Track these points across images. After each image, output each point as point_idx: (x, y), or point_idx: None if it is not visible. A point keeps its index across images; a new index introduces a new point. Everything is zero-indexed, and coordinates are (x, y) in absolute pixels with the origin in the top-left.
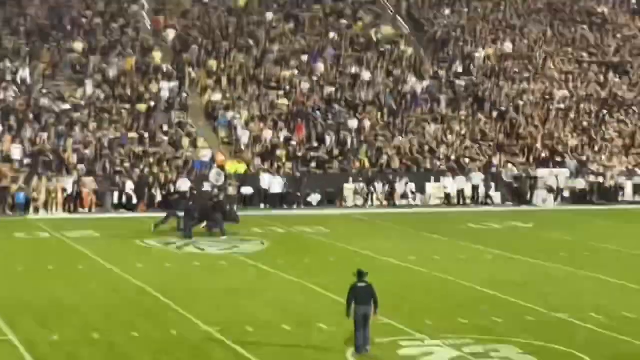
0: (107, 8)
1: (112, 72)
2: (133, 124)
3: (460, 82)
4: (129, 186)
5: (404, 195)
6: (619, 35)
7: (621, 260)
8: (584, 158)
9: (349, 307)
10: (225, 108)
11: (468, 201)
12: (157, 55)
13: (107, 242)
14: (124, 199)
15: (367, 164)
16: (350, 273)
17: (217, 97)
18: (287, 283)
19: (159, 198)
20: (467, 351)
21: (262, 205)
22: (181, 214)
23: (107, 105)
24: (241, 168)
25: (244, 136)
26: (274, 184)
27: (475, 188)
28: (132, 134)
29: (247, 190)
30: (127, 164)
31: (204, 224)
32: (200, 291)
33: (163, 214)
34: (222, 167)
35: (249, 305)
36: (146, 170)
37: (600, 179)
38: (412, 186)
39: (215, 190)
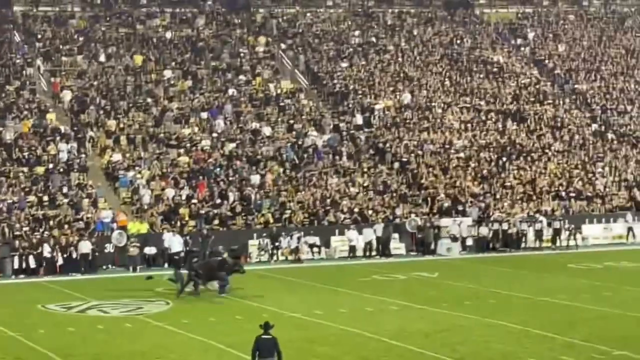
0: (2, 70)
1: (8, 135)
2: (32, 187)
3: (361, 134)
4: (28, 251)
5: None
6: (514, 83)
7: (525, 307)
8: (486, 206)
9: (253, 358)
10: (125, 168)
11: (374, 253)
12: (54, 117)
13: (8, 309)
14: (24, 264)
15: (270, 220)
16: (256, 330)
17: (117, 157)
18: (193, 343)
19: (60, 262)
20: None
21: (165, 265)
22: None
23: (4, 169)
24: (143, 228)
25: (146, 195)
26: (174, 242)
27: (379, 240)
28: (31, 197)
29: (150, 250)
30: (26, 228)
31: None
32: (105, 355)
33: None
34: (123, 228)
35: None
36: (46, 233)
37: (503, 226)
38: (306, 240)
39: (220, 248)
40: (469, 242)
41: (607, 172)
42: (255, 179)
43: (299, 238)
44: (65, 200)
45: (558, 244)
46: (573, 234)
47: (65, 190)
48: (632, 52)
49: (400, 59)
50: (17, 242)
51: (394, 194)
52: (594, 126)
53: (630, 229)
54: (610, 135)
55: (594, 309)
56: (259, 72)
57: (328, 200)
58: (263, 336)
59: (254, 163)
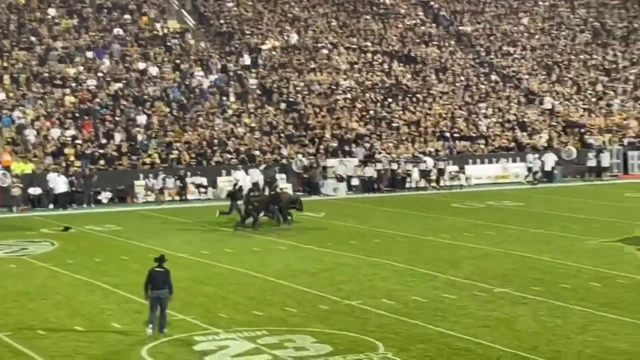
0: None
1: None
2: None
3: (248, 75)
4: None
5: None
6: (401, 25)
7: (410, 246)
8: (372, 146)
9: (145, 291)
10: (10, 108)
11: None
12: None
13: None
14: None
15: (157, 160)
16: (142, 270)
17: (0, 96)
18: (79, 283)
19: None
20: (262, 343)
21: (51, 206)
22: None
23: None
24: (28, 168)
25: (31, 135)
26: (59, 183)
27: (266, 180)
28: None
29: (34, 190)
30: None
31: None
32: None
33: None
34: (7, 168)
35: (40, 308)
36: None
37: (389, 167)
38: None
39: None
40: (355, 182)
41: (490, 113)
42: (142, 119)
43: (164, 179)
44: None
45: (442, 183)
46: (457, 173)
47: None
48: None
49: None
50: None
51: (281, 135)
52: (478, 67)
53: (529, 169)
54: (493, 77)
55: (476, 248)
56: (145, 12)
57: (215, 141)
58: (156, 269)
59: (140, 103)
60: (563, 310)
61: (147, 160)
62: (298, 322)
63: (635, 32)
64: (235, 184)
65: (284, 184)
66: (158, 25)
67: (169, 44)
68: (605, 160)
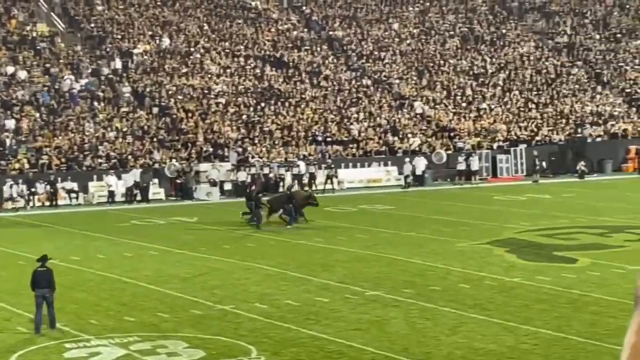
0: None
1: None
2: None
3: (120, 79)
4: None
5: None
6: (273, 29)
7: (283, 250)
8: (245, 150)
9: (32, 289)
10: None
11: (136, 198)
12: None
13: None
14: None
15: (26, 165)
16: (14, 276)
17: None
18: None
19: None
20: (134, 349)
21: None
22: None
23: None
24: None
25: None
26: None
27: (137, 185)
28: None
29: None
30: None
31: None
32: None
33: None
34: None
35: None
36: None
37: (262, 171)
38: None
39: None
40: (228, 186)
41: (362, 117)
42: (10, 123)
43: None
44: None
45: (315, 187)
46: (330, 177)
47: None
48: (386, 0)
49: (159, 3)
50: None
51: (153, 139)
52: (350, 72)
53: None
54: (365, 81)
55: (349, 251)
56: (14, 14)
57: (86, 146)
58: (39, 269)
59: (8, 107)
60: (433, 312)
61: (17, 166)
62: (170, 328)
63: (503, 37)
64: (248, 185)
65: (156, 189)
66: (27, 29)
67: (38, 47)
68: (475, 163)
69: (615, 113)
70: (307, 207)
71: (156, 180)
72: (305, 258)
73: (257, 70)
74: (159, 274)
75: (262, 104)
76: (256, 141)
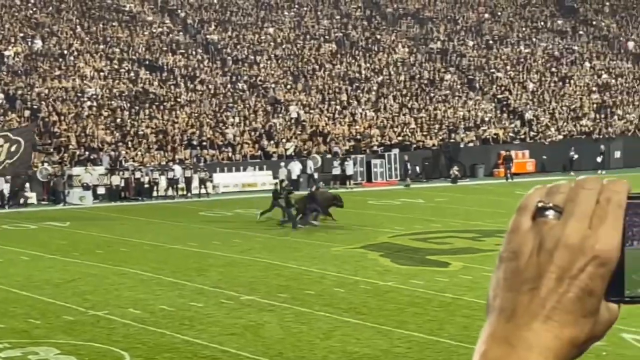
0: None
1: None
2: None
3: None
4: None
5: None
6: (148, 32)
7: (158, 255)
8: (118, 154)
9: None
10: None
11: (5, 202)
12: None
13: None
14: None
15: None
16: None
17: None
18: None
19: None
20: (4, 356)
21: None
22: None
23: None
24: None
25: None
26: None
27: (10, 188)
28: None
29: None
30: None
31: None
32: None
33: None
34: None
35: None
36: None
37: (135, 175)
38: None
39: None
40: (101, 190)
41: (237, 121)
42: None
43: None
44: None
45: (190, 192)
46: (205, 182)
47: None
48: (262, 4)
49: (30, 4)
50: None
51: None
52: (225, 76)
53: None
54: (240, 85)
55: (223, 256)
56: None
57: None
58: None
59: None
60: (308, 316)
61: None
62: (42, 334)
63: (378, 43)
64: (277, 183)
65: (28, 193)
66: None
67: None
68: (350, 168)
69: (487, 119)
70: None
71: (28, 185)
72: (179, 263)
73: (132, 74)
74: (30, 280)
75: (137, 108)
76: (130, 145)
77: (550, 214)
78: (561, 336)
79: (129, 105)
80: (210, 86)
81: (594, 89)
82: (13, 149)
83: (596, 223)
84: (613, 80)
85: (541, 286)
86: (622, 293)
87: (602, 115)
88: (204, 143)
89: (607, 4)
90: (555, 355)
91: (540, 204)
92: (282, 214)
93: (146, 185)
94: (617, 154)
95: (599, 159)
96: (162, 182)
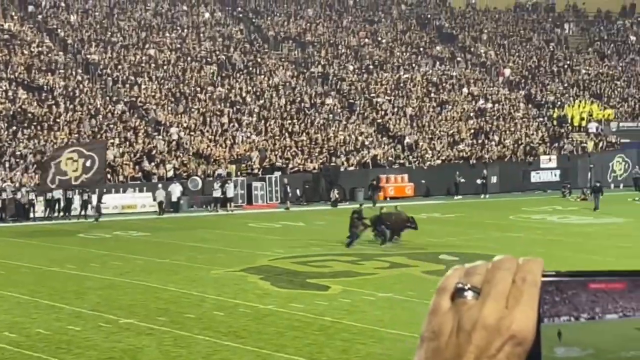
0: None
1: None
2: None
3: None
4: None
5: None
6: (27, 52)
7: (35, 277)
8: None
9: None
10: None
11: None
12: None
13: None
14: None
15: None
16: None
17: None
18: None
19: None
20: None
21: None
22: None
23: None
24: None
25: None
26: None
27: None
28: None
29: None
30: None
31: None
32: None
33: None
34: None
35: None
36: None
37: (12, 196)
38: None
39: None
40: None
41: (118, 142)
42: None
43: None
44: None
45: (69, 213)
46: (87, 203)
47: None
48: (143, 25)
49: None
50: None
51: None
52: (105, 97)
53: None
54: (120, 107)
55: (102, 278)
56: None
57: None
58: None
59: None
60: (187, 340)
61: None
62: None
63: (259, 65)
64: (360, 205)
65: None
66: None
67: None
68: (230, 190)
69: (367, 142)
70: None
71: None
72: (57, 285)
73: (10, 93)
74: None
75: (15, 128)
76: (7, 165)
77: (469, 294)
78: None
79: (6, 125)
80: (90, 107)
81: (471, 114)
82: (88, 164)
83: (512, 303)
84: (490, 106)
85: None
86: None
87: (479, 141)
88: None
89: (485, 31)
90: None
91: (458, 285)
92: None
93: (24, 207)
94: (494, 179)
95: (478, 181)
96: (40, 203)
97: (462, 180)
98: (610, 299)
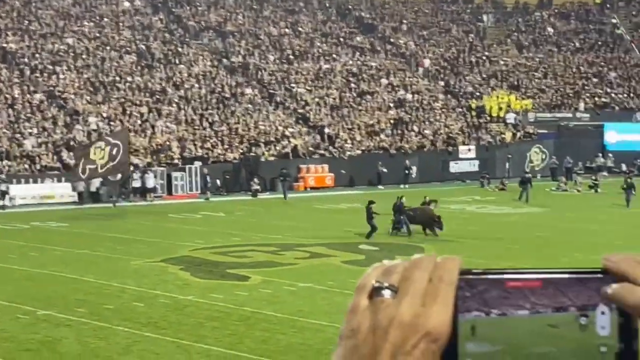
0: None
1: None
2: None
3: None
4: None
5: None
6: None
7: None
8: None
9: None
10: None
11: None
12: None
13: None
14: None
15: None
16: None
17: None
18: None
19: None
20: None
21: None
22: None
23: None
24: None
25: None
26: None
27: None
28: None
29: None
30: None
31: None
32: None
33: None
34: None
35: None
36: None
37: None
38: None
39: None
40: None
41: (36, 132)
42: None
43: None
44: None
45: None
46: (4, 194)
47: None
48: (61, 14)
49: None
50: None
51: None
52: (23, 86)
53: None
54: (38, 96)
55: (20, 269)
56: None
57: None
58: None
59: None
60: (107, 331)
61: None
62: None
63: (179, 55)
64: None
65: None
66: None
67: None
68: (150, 181)
69: (287, 133)
70: None
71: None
72: None
73: None
74: None
75: None
76: None
77: (386, 293)
78: None
79: None
80: (7, 96)
81: (390, 105)
82: (114, 152)
83: (429, 301)
84: (409, 97)
85: None
86: None
87: (399, 131)
88: (1, 154)
89: (405, 22)
90: None
91: (376, 284)
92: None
93: None
94: (414, 169)
95: (408, 175)
96: None
97: (385, 170)
98: (522, 295)
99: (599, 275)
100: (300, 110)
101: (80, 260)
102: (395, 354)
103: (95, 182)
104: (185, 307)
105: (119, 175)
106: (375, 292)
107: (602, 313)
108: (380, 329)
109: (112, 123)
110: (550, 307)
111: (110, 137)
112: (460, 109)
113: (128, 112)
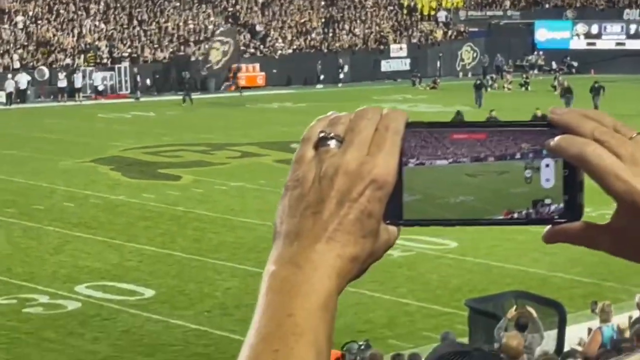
0: None
1: None
2: None
3: None
4: None
5: None
6: None
7: None
8: None
9: None
10: None
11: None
12: None
13: None
14: None
15: None
16: None
17: None
18: None
19: None
20: None
21: None
22: None
23: None
24: None
25: None
26: None
27: None
28: None
29: None
30: None
31: None
32: None
33: None
34: None
35: None
36: None
37: None
38: None
39: None
40: None
41: None
42: None
43: None
44: None
45: None
46: None
47: None
48: None
49: None
50: None
51: None
52: None
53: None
54: None
55: None
56: None
57: None
58: None
59: None
60: (37, 231)
61: None
62: None
63: None
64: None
65: None
66: None
67: None
68: (79, 81)
69: (218, 32)
70: None
71: None
72: None
73: None
74: None
75: None
76: None
77: (332, 143)
78: (343, 255)
79: None
80: None
81: (322, 3)
82: (226, 48)
83: (374, 150)
84: None
85: (323, 210)
86: (400, 216)
87: (330, 30)
88: None
89: None
90: (337, 273)
91: (321, 134)
92: None
93: None
94: (345, 69)
95: (340, 74)
96: None
97: (320, 67)
98: (466, 145)
99: (545, 129)
100: (230, 9)
101: (8, 161)
102: (342, 202)
103: (23, 82)
104: (117, 207)
105: None
106: (320, 142)
107: (547, 165)
108: (326, 177)
109: (39, 22)
110: (494, 157)
111: (223, 36)
112: (391, 7)
113: (55, 10)
